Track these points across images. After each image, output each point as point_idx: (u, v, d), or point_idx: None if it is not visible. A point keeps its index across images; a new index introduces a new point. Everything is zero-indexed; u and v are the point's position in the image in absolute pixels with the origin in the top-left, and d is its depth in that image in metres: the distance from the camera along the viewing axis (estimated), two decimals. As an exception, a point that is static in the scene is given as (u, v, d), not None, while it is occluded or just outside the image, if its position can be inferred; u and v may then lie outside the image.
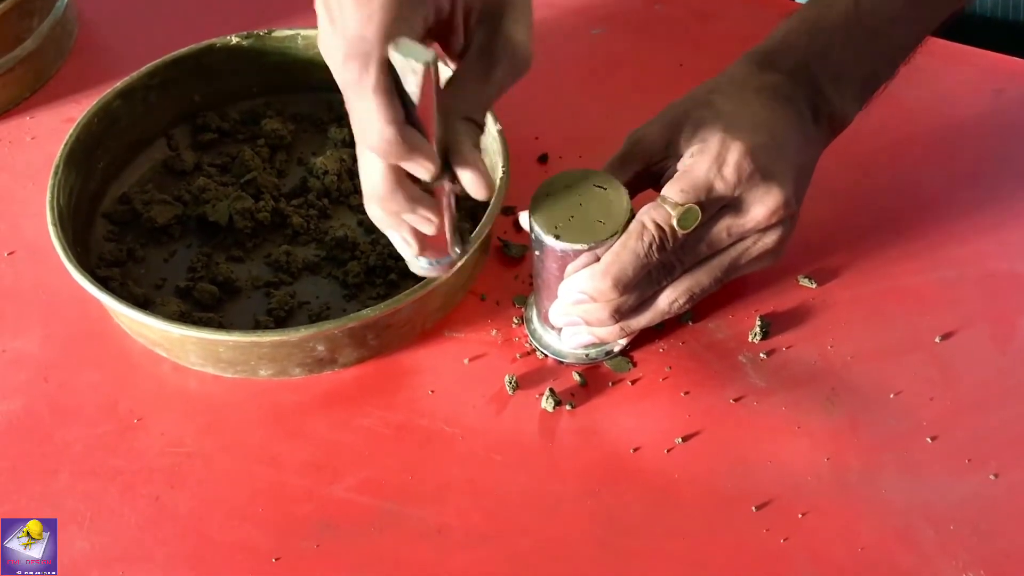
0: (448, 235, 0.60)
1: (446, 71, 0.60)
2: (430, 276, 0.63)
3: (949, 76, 0.83)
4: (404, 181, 0.55)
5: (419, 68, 0.50)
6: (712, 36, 0.89)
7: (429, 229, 0.57)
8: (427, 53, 0.50)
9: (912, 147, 0.79)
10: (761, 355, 0.68)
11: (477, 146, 0.56)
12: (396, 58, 0.51)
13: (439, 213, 0.57)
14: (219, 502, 0.63)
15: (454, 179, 0.56)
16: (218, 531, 0.62)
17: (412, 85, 0.51)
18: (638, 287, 0.63)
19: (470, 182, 0.56)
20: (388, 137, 0.52)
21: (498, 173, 0.71)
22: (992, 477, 0.63)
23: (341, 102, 0.80)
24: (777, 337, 0.69)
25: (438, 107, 0.53)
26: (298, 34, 0.81)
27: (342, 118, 0.82)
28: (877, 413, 0.66)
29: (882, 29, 0.69)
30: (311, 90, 0.83)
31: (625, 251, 0.61)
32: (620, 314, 0.63)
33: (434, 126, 0.54)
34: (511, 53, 0.55)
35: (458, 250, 0.62)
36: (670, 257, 0.63)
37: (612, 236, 0.62)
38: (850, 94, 0.68)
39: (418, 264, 0.61)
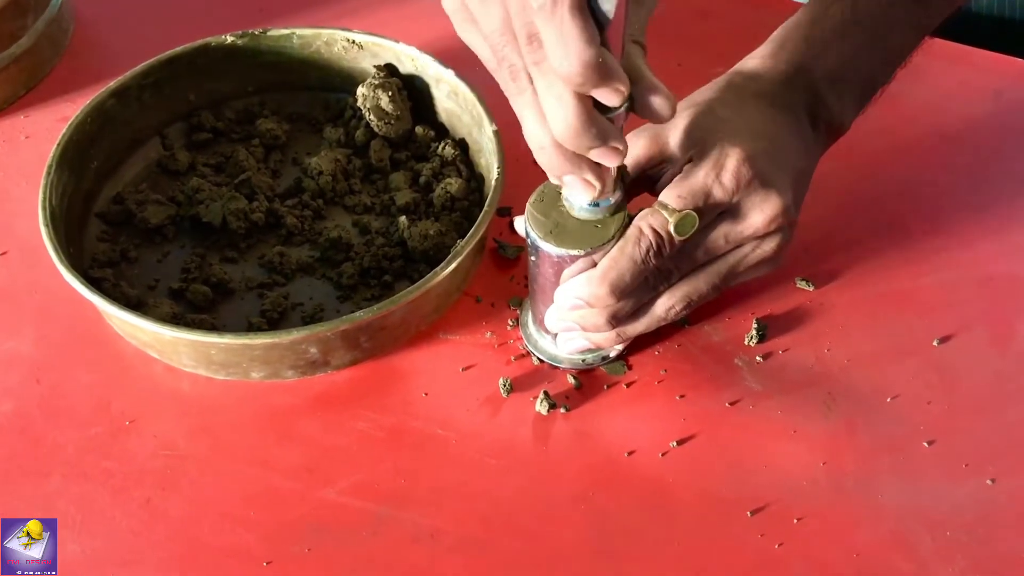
0: (614, 171, 0.59)
1: None
2: (594, 219, 0.62)
3: (948, 76, 0.83)
4: (594, 112, 0.54)
5: None
6: (711, 35, 0.88)
7: (617, 160, 0.56)
8: None
9: (910, 148, 0.79)
10: (757, 358, 0.68)
11: (649, 67, 0.56)
12: None
13: (624, 142, 0.56)
14: (211, 505, 0.63)
15: (631, 106, 0.56)
16: (210, 534, 0.62)
17: (608, 2, 0.50)
18: (635, 293, 0.62)
19: (661, 105, 0.55)
20: (589, 59, 0.50)
21: (493, 174, 0.71)
22: (989, 482, 0.62)
23: (336, 101, 0.82)
24: (774, 340, 0.69)
25: None
26: (293, 33, 0.81)
27: (337, 118, 0.82)
28: (874, 417, 0.65)
29: (879, 33, 0.68)
30: (306, 89, 0.83)
31: (622, 257, 0.61)
32: (617, 320, 0.63)
33: (621, 48, 0.53)
34: None
35: (621, 186, 0.61)
36: (667, 263, 0.62)
37: (608, 241, 0.61)
38: (848, 99, 0.68)
39: (585, 209, 0.61)
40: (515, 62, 0.54)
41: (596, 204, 0.61)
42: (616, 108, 0.54)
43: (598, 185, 0.58)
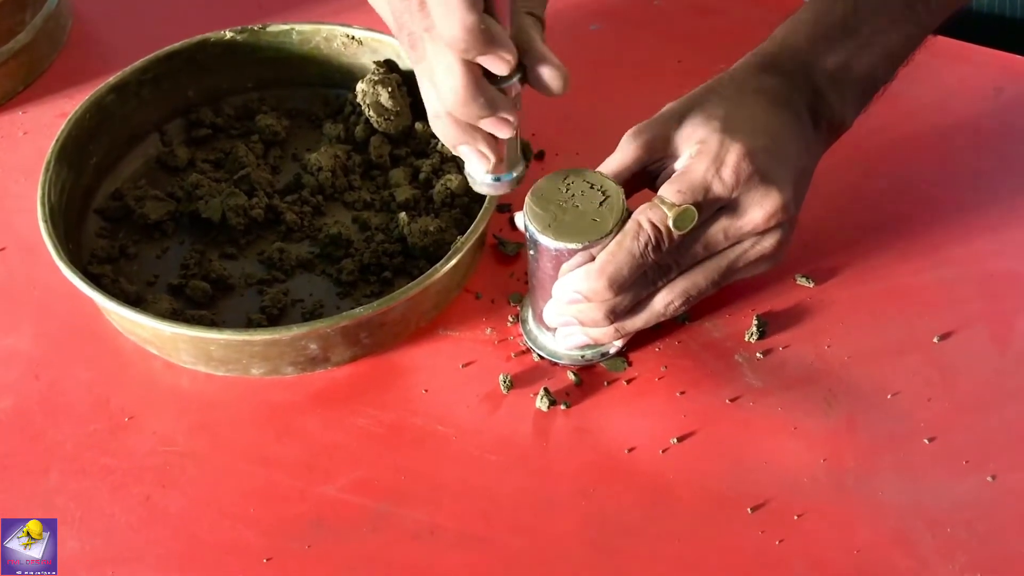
0: (517, 144, 0.60)
1: None
2: (497, 194, 0.62)
3: (949, 74, 0.83)
4: (482, 81, 0.54)
5: None
6: (711, 32, 0.88)
7: (507, 132, 0.56)
8: None
9: (911, 145, 0.79)
10: (758, 355, 0.68)
11: (544, 40, 0.56)
12: None
13: (516, 114, 0.56)
14: (210, 502, 0.63)
15: (524, 78, 0.56)
16: (209, 531, 0.62)
17: None
18: (633, 288, 0.62)
19: (550, 76, 0.56)
20: (470, 24, 0.50)
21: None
22: (990, 479, 0.62)
23: (336, 97, 0.82)
24: (774, 336, 0.69)
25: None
26: (292, 29, 0.80)
27: (336, 114, 0.82)
28: (874, 414, 0.65)
29: (881, 32, 0.68)
30: (306, 85, 0.83)
31: (620, 251, 0.61)
32: (615, 315, 0.63)
33: (509, 17, 0.54)
34: None
35: (524, 163, 0.61)
36: (666, 258, 0.62)
37: (607, 235, 0.61)
38: (849, 98, 0.68)
39: (485, 183, 0.61)
40: (413, 29, 0.54)
41: (498, 179, 0.61)
42: (507, 79, 0.55)
43: (492, 157, 0.58)
